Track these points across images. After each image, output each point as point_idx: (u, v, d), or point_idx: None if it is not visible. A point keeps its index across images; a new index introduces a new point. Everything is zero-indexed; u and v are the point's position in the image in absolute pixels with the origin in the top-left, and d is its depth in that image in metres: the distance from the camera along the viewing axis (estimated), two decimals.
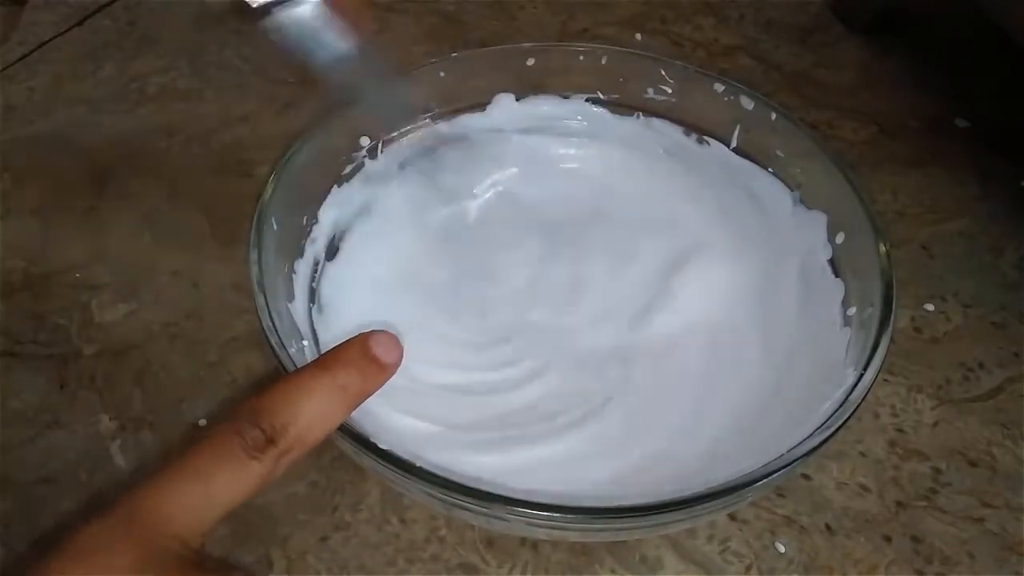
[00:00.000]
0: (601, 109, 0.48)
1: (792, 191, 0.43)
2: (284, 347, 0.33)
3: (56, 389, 0.45)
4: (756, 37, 0.69)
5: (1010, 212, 0.55)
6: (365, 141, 0.45)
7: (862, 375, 0.33)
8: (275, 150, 0.44)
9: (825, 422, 0.31)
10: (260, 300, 0.35)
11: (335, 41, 0.36)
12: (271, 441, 0.24)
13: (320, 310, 0.42)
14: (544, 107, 0.48)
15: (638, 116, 0.48)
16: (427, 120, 0.46)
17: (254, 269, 0.36)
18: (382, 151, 0.45)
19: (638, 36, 0.69)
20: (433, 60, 0.45)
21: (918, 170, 0.58)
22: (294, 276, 0.40)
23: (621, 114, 0.48)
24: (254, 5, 0.34)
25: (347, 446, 0.31)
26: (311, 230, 0.43)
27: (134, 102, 0.62)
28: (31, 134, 0.59)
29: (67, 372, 0.46)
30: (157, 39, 0.67)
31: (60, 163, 0.57)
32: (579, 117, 0.48)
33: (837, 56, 0.67)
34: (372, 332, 0.28)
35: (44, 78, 0.64)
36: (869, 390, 0.32)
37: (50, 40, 0.67)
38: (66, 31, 0.68)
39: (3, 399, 0.45)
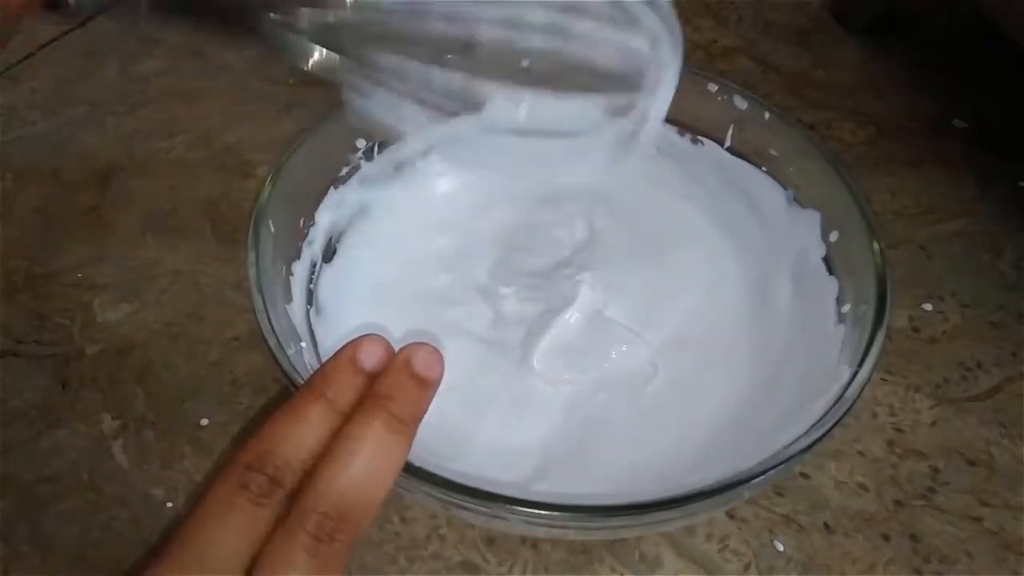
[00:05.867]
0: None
1: (786, 190, 0.44)
2: (283, 349, 0.34)
3: (58, 388, 0.45)
4: (755, 38, 0.69)
5: (1008, 212, 0.55)
6: (361, 143, 0.45)
7: (857, 372, 0.33)
8: (276, 151, 0.44)
9: (820, 419, 0.31)
10: (258, 302, 0.35)
11: None
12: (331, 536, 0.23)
13: (318, 312, 0.42)
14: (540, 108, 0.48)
15: None
16: (423, 120, 0.46)
17: (252, 271, 0.36)
18: (378, 153, 0.46)
19: None
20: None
21: (916, 171, 0.58)
22: (291, 278, 0.41)
23: (616, 114, 0.48)
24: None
25: None
26: (308, 232, 0.43)
27: (136, 103, 0.62)
28: (33, 134, 0.60)
29: (69, 371, 0.46)
30: (159, 40, 0.68)
31: (62, 163, 0.57)
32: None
33: (835, 57, 0.67)
34: (411, 348, 0.26)
35: (46, 79, 0.64)
36: (864, 387, 0.33)
37: (52, 41, 0.67)
38: (68, 32, 0.68)
39: (5, 398, 0.45)
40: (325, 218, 0.44)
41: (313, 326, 0.41)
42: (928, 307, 0.50)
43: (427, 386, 0.26)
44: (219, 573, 0.22)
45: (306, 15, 0.30)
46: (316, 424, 0.24)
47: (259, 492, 0.23)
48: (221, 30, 0.32)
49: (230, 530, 0.22)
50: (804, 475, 0.42)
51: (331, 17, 0.30)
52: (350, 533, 0.23)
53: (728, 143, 0.46)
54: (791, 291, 0.42)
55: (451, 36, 0.30)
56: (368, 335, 0.26)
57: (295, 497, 0.23)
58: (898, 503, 0.41)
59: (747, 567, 0.39)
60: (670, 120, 0.47)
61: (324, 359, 0.37)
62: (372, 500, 0.24)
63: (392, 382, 0.25)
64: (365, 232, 0.46)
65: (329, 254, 0.45)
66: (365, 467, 0.24)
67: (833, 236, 0.41)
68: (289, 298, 0.40)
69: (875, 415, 0.45)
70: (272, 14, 0.30)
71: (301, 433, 0.24)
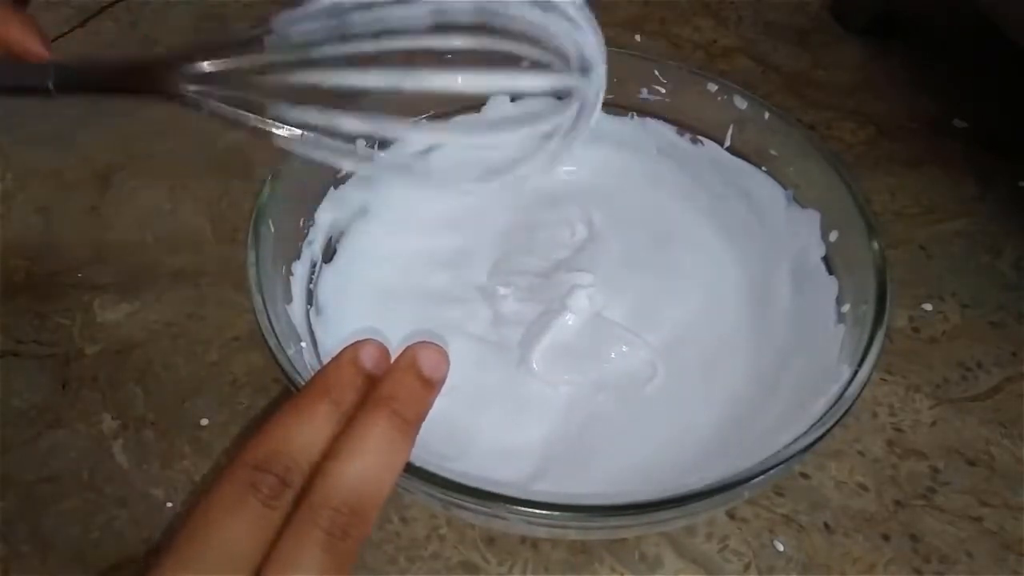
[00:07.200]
0: None
1: (786, 190, 0.44)
2: (283, 349, 0.34)
3: (58, 388, 0.45)
4: (755, 38, 0.69)
5: (1008, 212, 0.55)
6: (361, 143, 0.45)
7: (857, 371, 0.33)
8: (276, 151, 0.44)
9: (820, 419, 0.31)
10: (258, 302, 0.35)
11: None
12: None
13: (318, 312, 0.42)
14: (539, 107, 0.48)
15: (632, 116, 0.48)
16: (423, 121, 0.46)
17: (251, 271, 0.36)
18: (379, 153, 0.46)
19: (638, 37, 0.69)
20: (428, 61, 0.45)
21: (916, 171, 0.58)
22: (292, 278, 0.41)
23: (615, 114, 0.48)
24: None
25: None
26: (308, 232, 0.43)
27: (136, 102, 0.62)
28: (33, 134, 0.59)
29: (69, 371, 0.46)
30: (159, 40, 0.68)
31: (62, 163, 0.57)
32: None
33: (836, 57, 0.67)
34: (417, 347, 0.26)
35: None
36: (864, 387, 0.33)
37: (52, 41, 0.66)
38: (68, 32, 0.68)
39: (5, 398, 0.45)
40: (325, 218, 0.44)
41: (313, 326, 0.41)
42: (928, 307, 0.50)
43: (432, 386, 0.26)
44: (228, 574, 0.22)
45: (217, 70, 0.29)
46: (321, 425, 0.24)
47: (269, 493, 0.23)
48: (137, 97, 0.30)
49: (239, 531, 0.22)
50: (804, 475, 0.42)
51: (240, 67, 0.29)
52: (361, 529, 0.23)
53: (728, 143, 0.46)
54: (791, 291, 0.42)
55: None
56: (368, 339, 0.27)
57: (302, 495, 0.23)
58: (898, 503, 0.41)
59: (747, 567, 0.39)
60: (671, 120, 0.48)
61: (324, 359, 0.37)
62: (377, 498, 0.24)
63: (397, 382, 0.25)
64: (365, 232, 0.46)
65: (329, 254, 0.45)
66: (371, 464, 0.24)
67: (833, 236, 0.41)
68: (289, 298, 0.40)
69: (875, 415, 0.45)
70: (186, 81, 0.29)
71: (307, 432, 0.24)
